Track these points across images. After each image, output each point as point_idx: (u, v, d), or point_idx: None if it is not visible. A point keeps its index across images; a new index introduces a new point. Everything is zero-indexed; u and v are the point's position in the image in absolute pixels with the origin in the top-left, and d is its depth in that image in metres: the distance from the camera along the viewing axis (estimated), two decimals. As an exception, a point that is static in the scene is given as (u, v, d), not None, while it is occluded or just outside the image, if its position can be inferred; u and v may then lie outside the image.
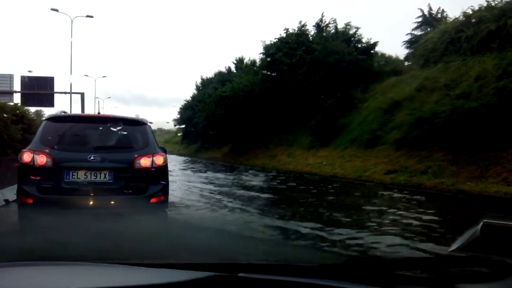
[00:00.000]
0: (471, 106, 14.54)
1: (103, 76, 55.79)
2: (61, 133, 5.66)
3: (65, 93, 39.95)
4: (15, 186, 5.92)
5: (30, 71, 36.75)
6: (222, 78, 47.68)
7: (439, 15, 43.58)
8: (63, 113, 6.44)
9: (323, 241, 6.03)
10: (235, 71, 48.82)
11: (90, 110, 57.03)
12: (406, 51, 41.05)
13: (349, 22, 31.53)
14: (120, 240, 1.83)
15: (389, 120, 20.33)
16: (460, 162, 14.05)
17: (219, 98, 38.24)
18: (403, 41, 44.18)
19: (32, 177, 5.29)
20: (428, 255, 3.95)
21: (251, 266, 1.23)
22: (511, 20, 17.86)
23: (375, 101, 24.22)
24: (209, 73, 56.07)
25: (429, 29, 43.59)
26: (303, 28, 32.19)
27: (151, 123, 6.35)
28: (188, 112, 51.11)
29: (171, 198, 6.69)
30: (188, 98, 55.05)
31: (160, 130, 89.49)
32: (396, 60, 33.19)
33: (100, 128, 5.85)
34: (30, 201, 5.29)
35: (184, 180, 15.15)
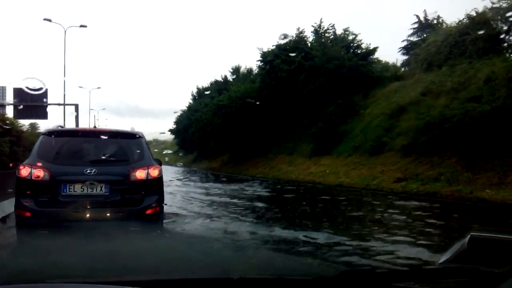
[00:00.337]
0: (484, 110, 13.83)
1: (98, 88, 54.78)
2: (58, 148, 5.74)
3: (59, 104, 39.06)
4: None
5: (11, 83, 35.70)
6: (218, 87, 46.95)
7: (435, 21, 43.45)
8: (59, 128, 6.60)
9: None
10: (231, 79, 48.17)
11: (84, 122, 56.08)
12: (402, 57, 40.79)
13: (348, 28, 30.99)
14: (113, 258, 1.81)
15: (394, 126, 19.61)
16: (475, 168, 13.28)
17: (216, 107, 37.48)
18: (400, 48, 43.84)
19: (29, 191, 5.36)
20: (419, 267, 3.88)
21: (244, 281, 1.28)
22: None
23: (378, 107, 23.53)
24: (205, 83, 55.50)
25: (425, 35, 43.50)
26: (301, 35, 31.59)
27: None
28: (185, 122, 50.27)
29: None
30: (184, 107, 54.27)
31: (155, 140, 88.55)
32: (393, 66, 32.69)
33: (96, 142, 5.95)
34: (28, 214, 5.35)
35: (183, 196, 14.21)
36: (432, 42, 24.41)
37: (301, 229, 7.51)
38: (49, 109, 38.58)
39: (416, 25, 43.99)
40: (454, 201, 11.71)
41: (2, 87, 37.90)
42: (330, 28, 31.10)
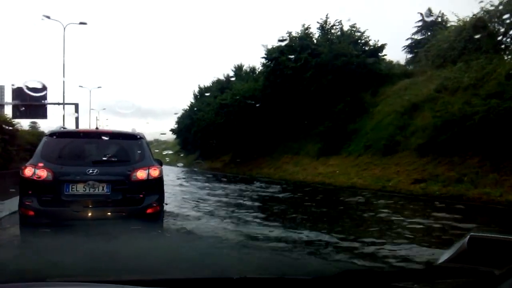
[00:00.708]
0: (510, 106, 12.93)
1: (98, 87, 53.84)
2: (61, 148, 5.88)
3: (59, 104, 38.21)
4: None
5: (13, 85, 34.90)
6: (220, 86, 46.06)
7: (439, 19, 42.66)
8: (62, 129, 6.80)
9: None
10: (234, 78, 47.27)
11: (85, 122, 55.26)
12: (404, 56, 39.95)
13: (355, 24, 30.08)
14: (113, 257, 1.80)
15: (408, 124, 18.71)
16: (501, 169, 12.40)
17: (218, 106, 36.61)
18: (404, 46, 43.08)
19: (33, 190, 5.50)
20: (419, 267, 3.69)
21: (244, 281, 1.29)
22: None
23: (388, 104, 22.65)
24: (206, 82, 54.42)
25: (429, 33, 42.71)
26: (306, 31, 30.67)
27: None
28: (186, 121, 49.38)
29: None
30: (186, 107, 53.37)
31: (156, 141, 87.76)
32: (397, 64, 31.78)
33: (98, 143, 6.05)
34: (32, 213, 5.46)
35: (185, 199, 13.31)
36: (444, 38, 23.54)
37: (331, 233, 6.83)
38: (48, 108, 37.91)
39: (420, 23, 43.39)
40: (483, 205, 10.80)
41: (1, 86, 37.05)
42: (337, 24, 30.17)
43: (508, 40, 19.01)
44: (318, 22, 31.10)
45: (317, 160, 23.93)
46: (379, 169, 17.55)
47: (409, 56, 40.71)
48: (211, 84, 52.62)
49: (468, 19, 22.84)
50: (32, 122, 38.25)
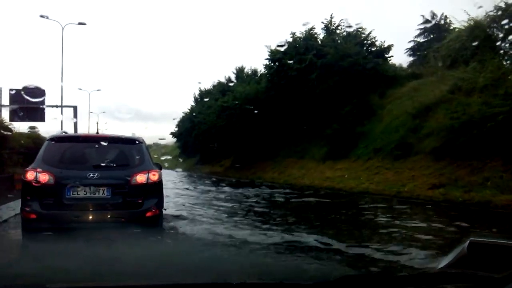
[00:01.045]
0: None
1: (98, 90, 52.95)
2: (62, 152, 6.01)
3: (57, 106, 37.42)
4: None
5: (11, 90, 34.18)
6: (222, 88, 45.26)
7: (442, 21, 42.02)
8: (64, 134, 6.99)
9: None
10: (235, 81, 46.52)
11: (84, 126, 54.33)
12: (406, 59, 39.29)
13: (360, 24, 29.36)
14: (114, 262, 1.79)
15: (421, 126, 17.91)
16: (528, 173, 11.58)
17: (220, 108, 35.79)
18: (406, 49, 42.36)
19: (35, 194, 5.58)
20: (419, 272, 2.73)
21: (244, 286, 1.31)
22: None
23: (398, 106, 21.87)
24: (207, 85, 53.41)
25: (431, 36, 42.09)
26: (311, 32, 29.92)
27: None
28: (187, 124, 48.56)
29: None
30: (186, 110, 52.55)
31: (156, 145, 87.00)
32: (400, 68, 31.01)
33: (99, 147, 6.07)
34: (33, 216, 5.55)
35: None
36: (456, 38, 22.78)
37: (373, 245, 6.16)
38: (47, 112, 37.11)
39: (422, 26, 42.76)
40: (515, 213, 9.97)
41: (-2, 88, 36.28)
42: (342, 24, 29.43)
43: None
44: (322, 23, 30.41)
45: (324, 164, 23.11)
46: (391, 174, 16.74)
47: (412, 59, 40.15)
48: (211, 87, 51.87)
49: (480, 18, 22.15)
50: (31, 127, 37.45)
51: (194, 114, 46.29)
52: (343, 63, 25.39)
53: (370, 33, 28.65)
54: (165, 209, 6.72)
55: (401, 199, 13.27)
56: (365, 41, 28.69)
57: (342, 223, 9.17)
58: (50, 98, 43.70)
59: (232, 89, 39.29)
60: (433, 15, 42.04)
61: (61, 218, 5.55)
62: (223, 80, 49.59)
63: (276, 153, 30.40)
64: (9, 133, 13.42)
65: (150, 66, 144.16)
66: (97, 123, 49.36)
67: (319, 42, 29.28)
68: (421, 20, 41.20)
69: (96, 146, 6.13)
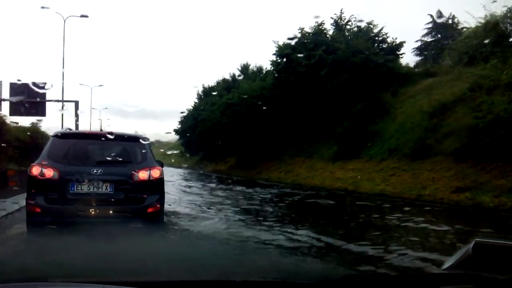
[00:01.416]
0: None
1: (100, 85, 52.09)
2: (67, 149, 6.14)
3: (58, 101, 36.63)
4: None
5: (19, 80, 33.46)
6: (226, 85, 44.38)
7: (449, 21, 41.16)
8: (68, 130, 7.12)
9: None
10: (240, 78, 45.63)
11: (86, 122, 53.60)
12: (413, 58, 38.43)
13: (372, 21, 28.40)
14: (116, 258, 1.78)
15: (440, 126, 16.98)
16: None
17: (225, 105, 34.88)
18: (413, 48, 41.40)
19: (40, 188, 5.77)
20: (423, 272, 3.34)
21: (247, 284, 1.28)
22: None
23: (412, 105, 20.96)
24: (210, 82, 52.55)
25: (439, 36, 41.23)
26: (320, 27, 28.97)
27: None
28: (190, 121, 47.69)
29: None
30: (189, 107, 51.69)
31: (158, 142, 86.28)
32: (406, 67, 30.11)
33: (102, 144, 6.27)
34: (38, 210, 5.72)
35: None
36: (472, 34, 21.85)
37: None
38: (49, 106, 36.36)
39: (430, 25, 41.88)
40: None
41: (-2, 81, 35.47)
42: (354, 20, 28.48)
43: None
44: (332, 18, 29.48)
45: (334, 164, 22.21)
46: (409, 175, 15.83)
47: (418, 58, 39.26)
48: (215, 84, 51.01)
49: (500, 13, 21.20)
50: (32, 122, 36.72)
51: (199, 110, 45.48)
52: (355, 59, 24.48)
53: (382, 29, 27.75)
54: (170, 205, 6.94)
55: (423, 203, 12.37)
56: (376, 37, 27.79)
57: (375, 229, 8.28)
58: (51, 93, 42.85)
59: (237, 86, 38.43)
60: (440, 14, 41.27)
61: (65, 213, 5.65)
62: (227, 77, 48.81)
63: (283, 152, 29.50)
64: (3, 125, 12.54)
65: (153, 62, 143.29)
66: (100, 120, 48.66)
67: (329, 37, 28.34)
68: (427, 20, 40.49)
69: (100, 143, 6.30)
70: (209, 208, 10.52)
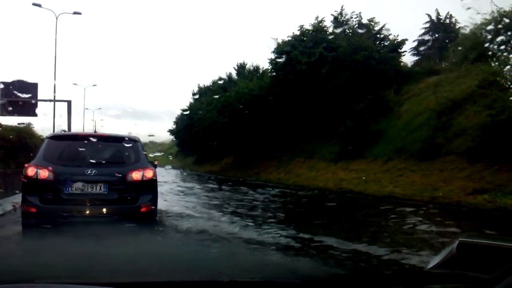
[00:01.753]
0: None
1: (93, 85, 50.97)
2: (61, 150, 6.28)
3: (50, 101, 35.63)
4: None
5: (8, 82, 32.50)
6: (223, 84, 43.51)
7: (447, 21, 40.74)
8: (63, 132, 7.88)
9: None
10: (236, 77, 44.85)
11: (79, 122, 52.47)
12: (409, 58, 37.91)
13: (373, 18, 27.69)
14: (105, 258, 1.81)
15: (449, 124, 16.28)
16: None
17: (221, 105, 34.04)
18: (411, 48, 40.81)
19: (35, 189, 5.80)
20: (408, 272, 3.18)
21: (234, 284, 1.29)
22: None
23: (417, 103, 20.26)
24: (206, 82, 51.83)
25: (437, 35, 40.74)
26: (320, 24, 28.22)
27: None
28: (185, 121, 46.78)
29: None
30: (184, 107, 50.80)
31: (152, 143, 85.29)
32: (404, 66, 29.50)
33: (96, 145, 6.33)
34: (34, 210, 5.77)
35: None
36: (480, 30, 21.17)
37: None
38: (39, 105, 35.35)
39: (427, 25, 41.41)
40: None
41: (-14, 80, 34.38)
42: (355, 17, 27.77)
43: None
44: (332, 15, 28.77)
45: (336, 164, 21.44)
46: (418, 176, 15.07)
47: (416, 58, 38.73)
48: (211, 84, 50.18)
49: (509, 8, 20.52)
50: (19, 123, 35.62)
51: (193, 111, 44.63)
52: (357, 57, 23.73)
53: (383, 26, 27.04)
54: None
55: (438, 206, 11.58)
56: (377, 35, 27.09)
57: (399, 234, 7.47)
58: (43, 92, 41.85)
59: (233, 85, 37.61)
60: (438, 14, 40.82)
61: (60, 212, 5.67)
62: (218, 78, 48.02)
63: (281, 152, 28.69)
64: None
65: (147, 62, 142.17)
66: (95, 122, 47.59)
67: (329, 35, 27.58)
68: (422, 20, 40.10)
69: (94, 144, 6.33)
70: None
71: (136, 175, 6.02)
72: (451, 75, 20.92)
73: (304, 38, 27.78)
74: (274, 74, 29.85)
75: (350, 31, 27.15)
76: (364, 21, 27.86)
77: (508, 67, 16.30)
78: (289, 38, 28.31)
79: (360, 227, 8.32)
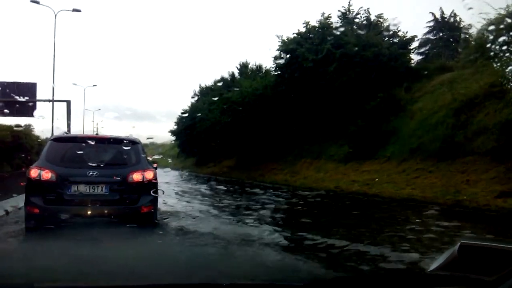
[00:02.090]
0: None
1: (93, 85, 50.24)
2: (64, 152, 6.48)
3: (49, 101, 34.87)
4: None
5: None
6: (225, 84, 42.65)
7: (451, 19, 40.00)
8: (65, 134, 7.78)
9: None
10: (239, 77, 44.03)
11: (78, 124, 51.65)
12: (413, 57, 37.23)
13: (381, 14, 26.87)
14: (104, 262, 1.78)
15: (468, 123, 15.42)
16: None
17: (225, 104, 33.16)
18: (413, 48, 40.06)
19: (38, 190, 6.02)
20: (410, 274, 2.89)
21: (234, 287, 1.30)
22: None
23: (430, 101, 19.40)
24: (207, 82, 50.97)
25: (441, 34, 39.99)
26: (326, 20, 27.37)
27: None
28: (187, 122, 45.91)
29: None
30: (186, 107, 49.96)
31: (152, 144, 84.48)
32: (414, 63, 28.66)
33: (98, 147, 6.56)
34: (37, 211, 5.98)
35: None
36: (495, 24, 20.33)
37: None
38: (37, 105, 34.59)
39: (432, 24, 40.67)
40: None
41: (-15, 80, 33.53)
42: (363, 13, 26.95)
43: None
44: (339, 11, 27.93)
45: (346, 165, 20.58)
46: (437, 177, 14.21)
47: (419, 57, 38.03)
48: (212, 84, 49.34)
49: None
50: (17, 125, 34.87)
51: (194, 111, 43.81)
52: (366, 53, 22.89)
53: (393, 21, 26.18)
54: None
55: (465, 210, 10.74)
56: (386, 32, 26.25)
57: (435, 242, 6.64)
58: (42, 92, 41.00)
59: (236, 84, 36.76)
60: (442, 13, 40.09)
61: (63, 213, 5.84)
62: (225, 75, 47.14)
63: (286, 153, 27.85)
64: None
65: (148, 62, 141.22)
66: (96, 124, 47.01)
67: (336, 31, 26.73)
68: (424, 20, 39.41)
69: (96, 146, 6.47)
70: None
71: (136, 177, 6.17)
72: (466, 71, 20.09)
73: (310, 35, 26.97)
74: (279, 72, 29.01)
75: (359, 27, 26.29)
76: (372, 17, 27.12)
77: (510, 67, 15.62)
78: (294, 35, 27.47)
79: (403, 236, 7.42)
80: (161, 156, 56.91)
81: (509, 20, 17.70)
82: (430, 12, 37.50)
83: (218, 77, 47.82)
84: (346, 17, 27.46)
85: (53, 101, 34.45)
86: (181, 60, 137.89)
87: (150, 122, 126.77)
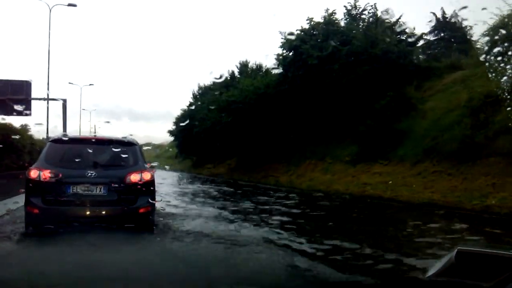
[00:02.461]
0: None
1: (90, 84, 49.27)
2: (63, 153, 6.56)
3: (44, 99, 33.93)
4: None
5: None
6: (225, 83, 41.76)
7: (453, 19, 39.29)
8: (64, 136, 7.41)
9: None
10: (239, 76, 43.15)
11: (75, 124, 50.65)
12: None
13: (388, 9, 26.01)
14: (102, 268, 1.77)
15: (488, 122, 14.55)
16: None
17: (225, 103, 32.26)
18: (421, 44, 39.34)
19: (38, 190, 6.15)
20: (407, 281, 2.79)
21: None
22: None
23: (445, 99, 18.54)
24: (206, 82, 50.01)
25: (442, 34, 39.28)
26: (331, 17, 26.48)
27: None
28: (186, 122, 44.96)
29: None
30: (185, 107, 49.06)
31: (149, 144, 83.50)
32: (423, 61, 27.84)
33: (96, 148, 6.64)
34: (36, 211, 6.11)
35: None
36: (507, 18, 19.52)
37: None
38: (34, 105, 33.65)
39: (433, 23, 39.96)
40: None
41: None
42: (370, 8, 26.08)
43: None
44: (344, 7, 27.02)
45: (355, 167, 19.68)
46: (458, 180, 13.34)
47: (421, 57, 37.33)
48: (212, 83, 48.39)
49: None
50: (22, 124, 33.96)
51: (193, 110, 42.91)
52: (374, 50, 22.00)
53: (399, 18, 25.30)
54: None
55: (497, 216, 9.87)
56: (394, 27, 25.37)
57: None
58: (37, 91, 39.86)
59: (236, 84, 35.87)
60: (443, 13, 39.38)
61: (62, 213, 6.02)
62: (220, 76, 46.20)
63: (289, 154, 26.96)
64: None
65: (145, 62, 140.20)
66: (94, 125, 46.09)
67: (341, 28, 25.86)
68: (427, 19, 38.67)
69: (94, 147, 6.55)
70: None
71: (134, 177, 6.29)
72: (479, 69, 19.27)
73: (315, 32, 26.10)
74: (282, 70, 28.09)
75: (365, 23, 25.44)
76: (379, 13, 26.25)
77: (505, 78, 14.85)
78: (298, 32, 26.56)
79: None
80: (158, 163, 56.18)
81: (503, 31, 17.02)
82: (431, 12, 36.73)
83: (219, 75, 46.92)
84: (351, 13, 26.57)
85: (48, 99, 33.47)
86: (180, 59, 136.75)
87: (147, 122, 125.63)
